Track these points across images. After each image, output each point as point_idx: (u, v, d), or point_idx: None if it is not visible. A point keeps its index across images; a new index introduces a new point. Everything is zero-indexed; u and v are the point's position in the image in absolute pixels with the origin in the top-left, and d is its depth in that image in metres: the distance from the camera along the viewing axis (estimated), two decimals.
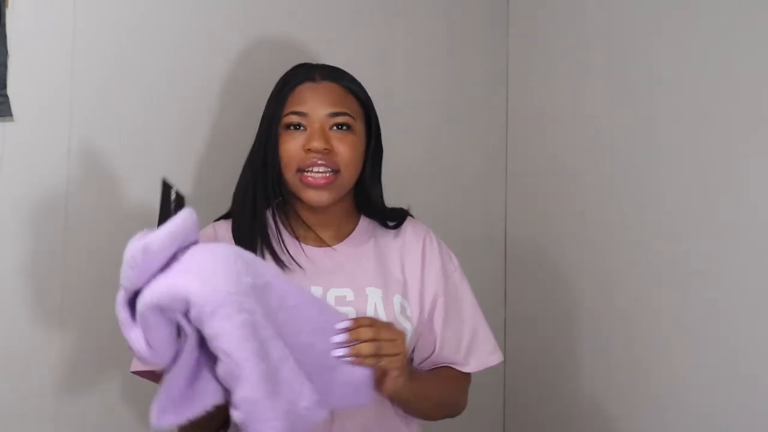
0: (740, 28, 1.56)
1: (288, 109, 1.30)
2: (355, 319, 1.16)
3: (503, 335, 2.07)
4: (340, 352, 1.12)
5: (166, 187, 1.09)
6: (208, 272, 1.00)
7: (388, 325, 1.18)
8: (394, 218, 1.40)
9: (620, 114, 1.80)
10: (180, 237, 1.02)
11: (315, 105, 1.29)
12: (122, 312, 1.01)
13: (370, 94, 1.37)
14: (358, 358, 1.13)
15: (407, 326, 1.32)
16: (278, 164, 1.30)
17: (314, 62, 1.38)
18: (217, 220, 1.39)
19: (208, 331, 0.98)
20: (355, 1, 1.86)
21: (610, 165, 1.82)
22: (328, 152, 1.27)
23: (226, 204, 1.39)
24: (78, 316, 1.48)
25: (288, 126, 1.30)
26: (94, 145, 1.50)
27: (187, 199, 1.09)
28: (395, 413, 1.33)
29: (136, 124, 1.55)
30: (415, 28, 1.96)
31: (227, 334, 0.98)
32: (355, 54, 1.75)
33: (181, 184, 1.58)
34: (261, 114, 1.36)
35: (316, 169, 1.28)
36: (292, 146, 1.29)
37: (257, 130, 1.35)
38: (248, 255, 1.09)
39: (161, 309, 0.98)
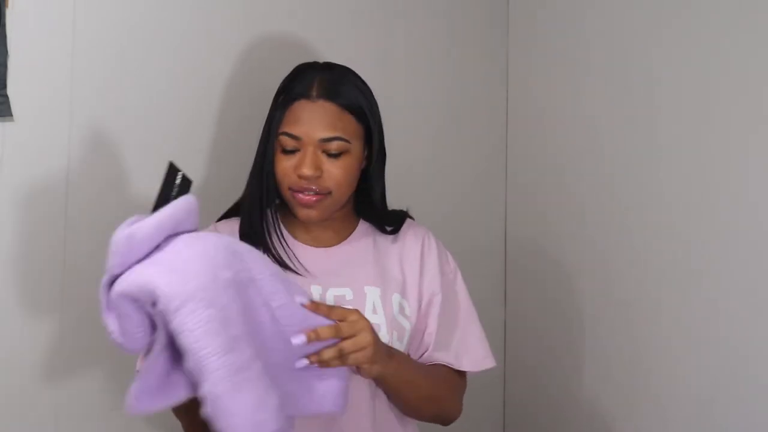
0: (740, 28, 1.56)
1: (283, 127, 1.28)
2: (314, 304, 1.15)
3: (503, 335, 2.07)
4: (303, 362, 1.12)
5: (172, 171, 1.09)
6: (182, 265, 1.00)
7: (350, 318, 1.16)
8: (392, 222, 1.39)
9: (620, 114, 1.80)
10: (168, 227, 1.04)
11: (308, 129, 1.26)
12: (103, 295, 1.03)
13: None
14: (323, 364, 1.14)
15: (406, 325, 1.32)
16: (274, 175, 1.30)
17: (318, 62, 1.36)
18: (219, 219, 1.39)
19: (173, 326, 0.99)
20: (355, 1, 1.86)
21: (610, 165, 1.82)
22: (317, 177, 1.26)
23: (227, 203, 1.39)
24: (78, 315, 1.48)
25: (283, 144, 1.28)
26: (94, 145, 1.50)
27: (193, 185, 1.10)
28: (394, 417, 1.33)
29: (136, 124, 1.55)
30: (415, 28, 1.96)
31: (190, 330, 0.98)
32: (355, 54, 1.75)
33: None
34: (261, 114, 1.35)
35: (306, 191, 1.27)
36: (285, 165, 1.28)
37: (261, 131, 1.34)
38: (241, 247, 1.09)
39: (131, 298, 1.00)
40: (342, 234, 1.37)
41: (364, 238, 1.38)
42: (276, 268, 1.16)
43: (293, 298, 1.12)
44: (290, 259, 1.31)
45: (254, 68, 1.67)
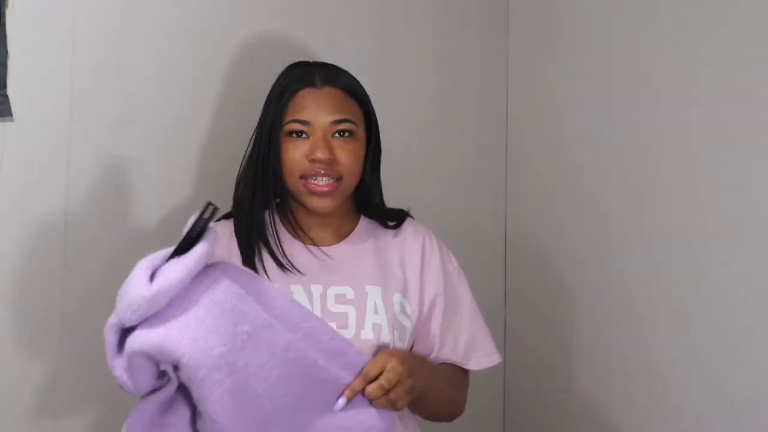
0: (740, 28, 1.56)
1: (290, 116, 1.29)
2: (364, 376, 1.13)
3: (503, 335, 2.07)
4: (341, 403, 1.12)
5: (203, 216, 1.05)
6: (202, 329, 1.00)
7: (389, 367, 1.14)
8: (393, 219, 1.40)
9: (620, 113, 1.80)
10: (190, 279, 1.01)
11: (317, 113, 1.28)
12: (111, 337, 1.01)
13: (369, 94, 1.36)
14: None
15: (407, 324, 1.32)
16: (280, 169, 1.30)
17: (311, 60, 1.38)
18: (219, 219, 1.39)
19: (197, 393, 0.99)
20: (355, 1, 1.86)
21: (609, 164, 1.82)
22: (330, 161, 1.27)
23: (226, 203, 1.39)
24: (78, 315, 1.48)
25: (290, 133, 1.29)
26: (94, 144, 1.50)
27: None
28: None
29: (136, 124, 1.55)
30: (415, 28, 1.96)
31: (215, 400, 0.99)
32: (355, 54, 1.75)
33: (182, 184, 1.60)
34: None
35: (319, 178, 1.28)
36: (295, 154, 1.28)
37: (255, 130, 1.35)
38: (253, 287, 1.08)
39: (148, 356, 0.99)
40: (342, 232, 1.37)
41: (364, 236, 1.38)
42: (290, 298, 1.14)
43: (313, 323, 1.12)
44: (288, 260, 1.31)
45: (254, 68, 1.67)
